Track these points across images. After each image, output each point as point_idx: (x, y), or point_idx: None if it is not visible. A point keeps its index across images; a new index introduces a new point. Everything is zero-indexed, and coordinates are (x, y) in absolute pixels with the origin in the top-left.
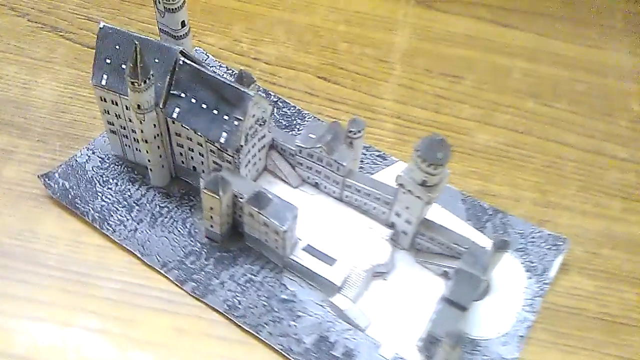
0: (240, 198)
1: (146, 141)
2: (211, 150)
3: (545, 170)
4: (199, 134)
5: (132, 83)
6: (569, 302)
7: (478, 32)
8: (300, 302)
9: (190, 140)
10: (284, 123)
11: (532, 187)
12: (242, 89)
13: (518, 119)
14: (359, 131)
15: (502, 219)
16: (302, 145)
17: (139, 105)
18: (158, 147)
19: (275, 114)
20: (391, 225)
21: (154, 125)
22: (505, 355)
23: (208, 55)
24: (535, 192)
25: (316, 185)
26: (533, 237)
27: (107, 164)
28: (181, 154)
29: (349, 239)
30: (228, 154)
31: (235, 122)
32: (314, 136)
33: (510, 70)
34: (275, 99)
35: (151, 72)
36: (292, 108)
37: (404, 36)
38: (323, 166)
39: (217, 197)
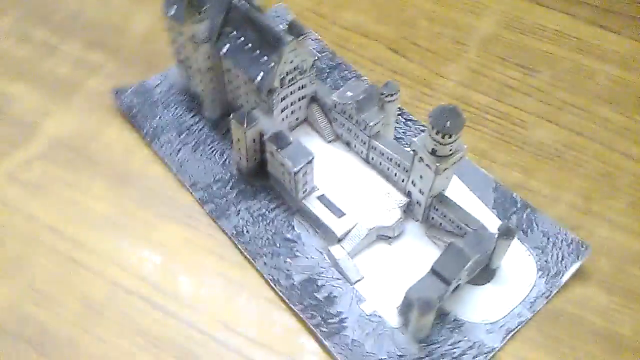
0: (264, 135)
1: (199, 71)
2: (252, 90)
3: (597, 178)
4: (241, 70)
5: (187, 13)
6: (576, 310)
7: (571, 30)
8: (302, 245)
9: (238, 77)
10: (341, 84)
11: (576, 191)
12: (281, 34)
13: (585, 122)
14: (391, 95)
15: (529, 214)
16: (337, 100)
17: (193, 35)
18: (211, 79)
19: (335, 76)
20: (408, 194)
21: (207, 57)
22: (487, 342)
23: (289, 13)
24: (578, 197)
25: (348, 144)
26: (556, 239)
27: (173, 92)
28: (231, 90)
29: (364, 199)
30: (263, 94)
31: (271, 64)
32: (350, 94)
33: (595, 73)
34: (339, 61)
35: (205, 6)
36: (353, 73)
37: (489, 22)
38: (353, 124)
39: (242, 128)
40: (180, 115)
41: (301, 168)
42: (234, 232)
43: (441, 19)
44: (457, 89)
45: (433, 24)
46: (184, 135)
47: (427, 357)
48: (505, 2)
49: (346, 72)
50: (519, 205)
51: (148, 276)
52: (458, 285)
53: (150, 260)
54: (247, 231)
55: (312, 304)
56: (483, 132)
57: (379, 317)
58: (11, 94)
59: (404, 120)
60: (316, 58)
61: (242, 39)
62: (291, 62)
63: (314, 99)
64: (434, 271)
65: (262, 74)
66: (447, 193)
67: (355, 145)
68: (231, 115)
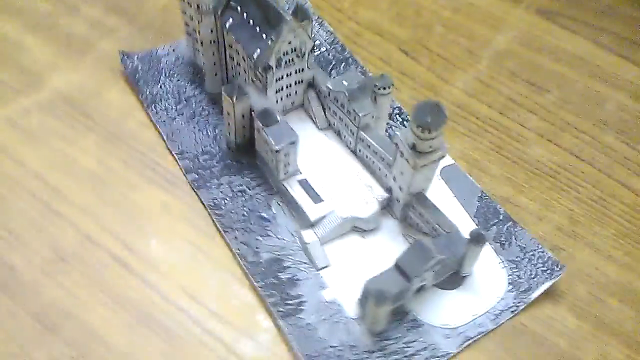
0: (252, 112)
1: (202, 43)
2: (250, 67)
3: (589, 203)
4: (240, 45)
5: None
6: (541, 330)
7: (589, 56)
8: (275, 225)
9: (238, 53)
10: None
11: (564, 213)
12: (283, 13)
13: (586, 147)
14: (384, 88)
15: (510, 227)
16: (331, 88)
17: (198, 5)
18: (213, 53)
19: (341, 69)
20: (389, 190)
21: (211, 30)
22: (442, 346)
23: (307, 1)
24: (565, 219)
25: (338, 134)
26: (532, 255)
27: (179, 63)
28: (232, 67)
29: (344, 189)
30: (259, 72)
31: (270, 42)
32: (346, 83)
33: (605, 100)
34: (348, 56)
35: None
36: (360, 68)
37: (506, 37)
38: (344, 113)
39: (232, 102)
40: (182, 86)
41: (283, 147)
42: (212, 204)
43: (457, 28)
44: (462, 97)
45: (448, 31)
46: (181, 105)
47: (378, 352)
48: (526, 21)
49: (353, 66)
50: (501, 218)
51: (119, 233)
52: (423, 286)
53: (124, 218)
54: (224, 205)
55: (274, 283)
56: (479, 142)
57: (339, 305)
58: (25, 44)
59: (401, 120)
60: (318, 45)
61: (246, 14)
62: (289, 42)
63: (311, 86)
64: (396, 266)
65: (259, 50)
66: (430, 195)
67: (344, 135)
68: (223, 87)
